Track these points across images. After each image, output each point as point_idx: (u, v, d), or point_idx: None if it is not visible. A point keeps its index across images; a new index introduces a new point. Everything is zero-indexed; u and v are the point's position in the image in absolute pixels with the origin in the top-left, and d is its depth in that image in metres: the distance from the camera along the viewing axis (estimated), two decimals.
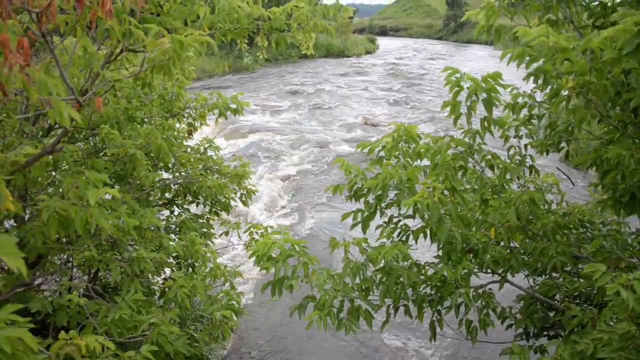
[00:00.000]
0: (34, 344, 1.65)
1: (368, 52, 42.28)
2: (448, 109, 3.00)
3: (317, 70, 29.66)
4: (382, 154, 3.65)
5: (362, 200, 3.47)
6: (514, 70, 2.85)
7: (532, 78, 3.02)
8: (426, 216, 2.98)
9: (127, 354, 2.51)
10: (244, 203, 5.14)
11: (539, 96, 3.93)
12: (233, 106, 4.96)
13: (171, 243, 3.88)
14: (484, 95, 2.76)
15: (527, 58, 2.58)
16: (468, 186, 3.59)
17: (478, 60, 36.00)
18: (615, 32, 2.43)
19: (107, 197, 3.01)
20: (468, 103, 2.78)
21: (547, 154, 4.07)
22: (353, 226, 3.46)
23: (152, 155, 4.08)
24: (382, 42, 51.90)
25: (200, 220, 4.95)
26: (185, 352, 3.29)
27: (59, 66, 2.21)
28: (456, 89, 2.76)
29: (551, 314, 3.76)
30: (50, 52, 2.20)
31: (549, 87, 2.99)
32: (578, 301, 3.70)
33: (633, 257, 3.56)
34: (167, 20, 3.58)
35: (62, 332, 2.07)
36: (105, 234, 2.67)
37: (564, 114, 2.90)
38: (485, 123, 3.07)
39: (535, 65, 2.75)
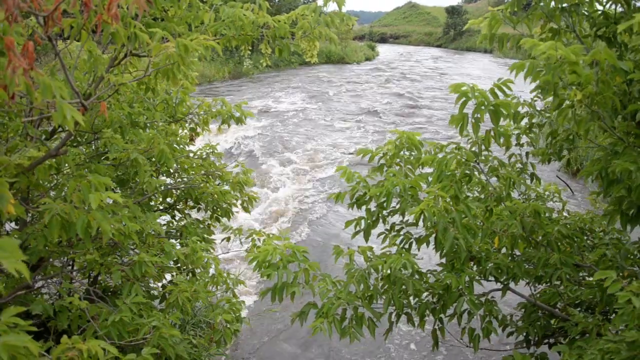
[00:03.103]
0: (35, 349, 1.64)
1: (368, 59, 42.39)
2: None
3: (317, 77, 29.73)
4: (382, 161, 3.65)
5: (364, 207, 3.47)
6: (514, 76, 2.85)
7: (534, 87, 3.03)
8: (429, 224, 2.98)
9: (127, 357, 2.50)
10: (246, 210, 5.13)
11: (539, 104, 3.95)
12: (237, 114, 4.98)
13: (173, 250, 3.87)
14: (492, 107, 2.76)
15: (539, 70, 2.58)
16: (470, 194, 3.60)
17: (480, 68, 36.11)
18: None
19: (110, 201, 3.02)
20: (477, 115, 2.78)
21: (549, 162, 4.09)
22: (355, 234, 3.46)
23: (154, 160, 4.08)
24: (382, 49, 52.11)
25: (202, 226, 4.95)
26: (186, 356, 3.28)
27: (64, 70, 2.21)
28: (463, 99, 2.76)
29: (552, 322, 3.77)
30: (56, 55, 2.21)
31: (551, 98, 2.99)
32: (580, 309, 3.70)
33: (634, 266, 3.57)
34: (171, 25, 3.59)
35: (65, 336, 2.06)
36: (106, 238, 2.66)
37: (571, 125, 2.90)
38: (492, 133, 3.07)
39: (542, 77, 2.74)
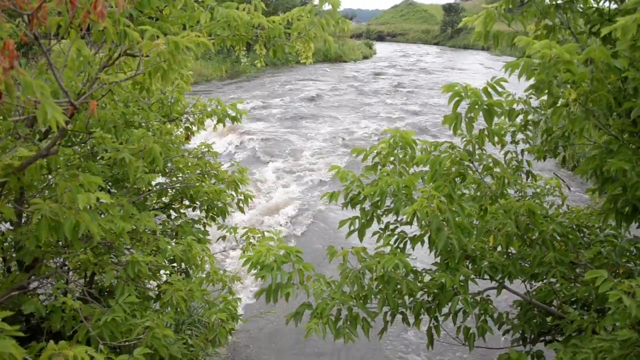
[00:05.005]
0: (20, 354, 1.62)
1: (365, 57, 42.35)
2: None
3: (315, 75, 29.71)
4: (376, 159, 3.63)
5: (358, 207, 3.45)
6: (508, 75, 2.84)
7: (528, 86, 3.01)
8: (423, 223, 2.96)
9: (120, 358, 2.49)
10: (241, 210, 5.12)
11: (535, 102, 3.94)
12: (232, 113, 4.98)
13: (168, 247, 3.85)
14: (485, 107, 2.75)
15: (534, 68, 2.56)
16: (466, 192, 3.58)
17: (477, 65, 36.11)
18: (628, 22, 2.37)
19: (104, 200, 2.99)
20: (470, 114, 2.76)
21: (544, 159, 4.08)
22: (349, 234, 3.44)
23: (148, 159, 4.06)
24: (380, 47, 52.08)
25: (197, 226, 4.93)
26: (180, 356, 3.26)
27: (52, 68, 2.19)
28: (456, 99, 2.74)
29: (548, 319, 3.76)
30: (44, 54, 2.19)
31: (546, 96, 2.98)
32: (575, 306, 3.69)
33: (630, 262, 3.56)
34: (165, 25, 3.57)
35: (51, 341, 2.04)
36: (96, 239, 2.64)
37: (566, 124, 2.89)
38: (485, 132, 3.06)
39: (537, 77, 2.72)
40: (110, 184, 4.45)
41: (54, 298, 3.46)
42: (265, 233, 4.50)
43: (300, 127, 17.17)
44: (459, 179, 3.20)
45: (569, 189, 5.33)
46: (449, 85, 2.74)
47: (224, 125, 5.13)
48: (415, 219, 2.95)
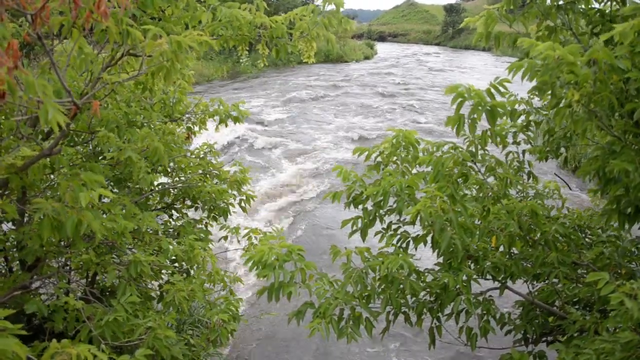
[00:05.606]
0: (23, 353, 1.62)
1: (367, 57, 42.31)
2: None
3: (316, 75, 29.69)
4: (379, 159, 3.63)
5: (361, 207, 3.45)
6: (511, 76, 2.83)
7: (531, 87, 3.01)
8: (426, 224, 2.96)
9: (121, 358, 2.48)
10: (243, 209, 5.12)
11: (536, 102, 3.94)
12: (234, 114, 4.98)
13: (170, 247, 3.85)
14: (488, 108, 2.74)
15: (537, 70, 2.56)
16: (468, 192, 3.58)
17: (480, 65, 36.09)
18: (626, 28, 2.37)
19: (105, 200, 2.99)
20: (474, 115, 2.76)
21: (546, 160, 4.08)
22: (351, 234, 3.44)
23: (150, 159, 4.06)
24: (381, 47, 52.07)
25: (199, 226, 4.93)
26: (181, 357, 3.26)
27: (55, 68, 2.19)
28: (459, 100, 2.74)
29: (550, 320, 3.75)
30: (46, 53, 2.19)
31: (549, 97, 2.97)
32: (577, 307, 3.69)
33: (632, 263, 3.56)
34: (168, 25, 3.58)
35: (54, 340, 2.03)
36: (98, 237, 2.64)
37: (568, 125, 2.88)
38: (488, 133, 3.06)
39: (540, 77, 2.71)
40: (112, 184, 4.45)
41: (56, 298, 3.46)
42: (267, 233, 4.51)
43: (302, 126, 17.17)
44: (461, 179, 3.20)
45: (570, 187, 5.33)
46: (453, 86, 2.74)
47: (227, 126, 5.14)
48: (418, 219, 2.94)
